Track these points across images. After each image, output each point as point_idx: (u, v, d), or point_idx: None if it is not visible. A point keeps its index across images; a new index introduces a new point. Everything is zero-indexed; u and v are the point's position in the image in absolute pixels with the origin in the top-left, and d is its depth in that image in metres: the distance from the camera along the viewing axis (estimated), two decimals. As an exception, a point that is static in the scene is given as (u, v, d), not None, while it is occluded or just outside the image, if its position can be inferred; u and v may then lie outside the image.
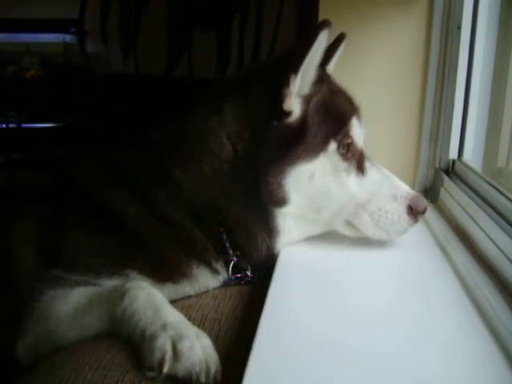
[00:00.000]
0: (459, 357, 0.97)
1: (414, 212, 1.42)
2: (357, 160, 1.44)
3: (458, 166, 1.80)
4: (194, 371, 1.00)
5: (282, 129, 1.37)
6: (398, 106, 1.94)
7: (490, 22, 1.73)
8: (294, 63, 1.32)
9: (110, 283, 1.34)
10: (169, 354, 1.02)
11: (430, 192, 1.91)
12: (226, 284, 1.45)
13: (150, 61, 3.59)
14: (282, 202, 1.39)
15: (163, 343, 1.05)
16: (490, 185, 1.53)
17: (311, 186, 1.39)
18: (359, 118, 1.49)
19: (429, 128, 1.93)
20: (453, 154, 1.82)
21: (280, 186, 1.36)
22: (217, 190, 1.37)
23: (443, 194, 1.78)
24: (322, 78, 1.42)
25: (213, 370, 1.02)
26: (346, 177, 1.42)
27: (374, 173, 1.46)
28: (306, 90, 1.39)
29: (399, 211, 1.42)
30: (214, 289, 1.42)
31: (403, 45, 1.91)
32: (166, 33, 3.45)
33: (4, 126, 4.63)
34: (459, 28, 1.74)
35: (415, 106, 1.94)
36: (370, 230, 1.44)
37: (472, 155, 1.81)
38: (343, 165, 1.41)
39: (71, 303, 1.32)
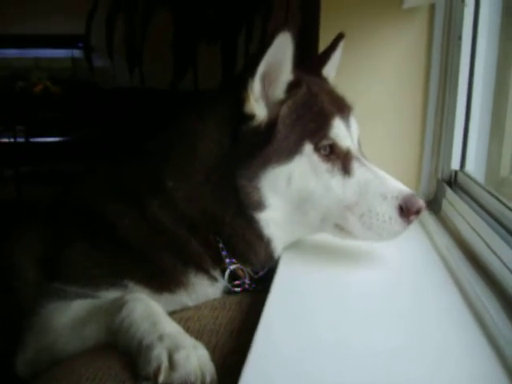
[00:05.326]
0: (459, 367, 0.96)
1: (406, 213, 1.36)
2: (342, 161, 1.41)
3: (460, 176, 1.79)
4: (189, 381, 1.00)
5: (251, 133, 1.38)
6: (399, 117, 1.94)
7: (491, 32, 1.72)
8: (250, 68, 1.35)
9: (108, 295, 1.35)
10: (165, 364, 1.02)
11: (433, 203, 1.90)
12: (225, 292, 1.45)
13: (157, 74, 3.61)
14: (259, 206, 1.39)
15: (159, 353, 1.05)
16: (492, 195, 1.51)
17: (291, 189, 1.38)
18: (345, 117, 1.47)
19: (431, 139, 1.93)
20: (455, 164, 1.80)
21: (255, 189, 1.37)
22: (209, 198, 1.38)
23: (445, 206, 1.77)
24: (299, 81, 1.43)
25: (208, 379, 1.02)
26: (329, 178, 1.39)
27: (363, 173, 1.41)
28: (279, 94, 1.40)
29: (390, 212, 1.36)
30: (214, 299, 1.42)
31: (404, 56, 1.91)
32: (172, 46, 3.47)
33: (12, 140, 4.68)
34: (460, 38, 1.73)
35: (417, 117, 1.93)
36: (360, 233, 1.39)
37: (474, 165, 1.79)
38: (325, 166, 1.39)
39: (71, 316, 1.33)
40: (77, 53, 5.44)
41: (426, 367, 0.96)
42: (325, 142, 1.39)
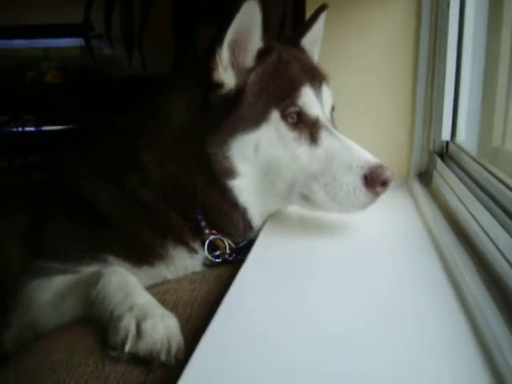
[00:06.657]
0: (436, 337, 0.94)
1: (371, 184, 1.32)
2: (310, 129, 1.40)
3: (451, 147, 1.75)
4: (154, 350, 1.00)
5: (220, 101, 1.37)
6: (389, 88, 1.91)
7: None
8: (217, 36, 1.34)
9: (89, 270, 1.36)
10: (132, 333, 1.03)
11: (425, 176, 1.87)
12: (206, 265, 1.45)
13: (158, 61, 3.60)
14: (230, 173, 1.38)
15: (128, 323, 1.05)
16: (481, 166, 1.47)
17: (259, 157, 1.37)
18: (316, 86, 1.45)
19: (422, 109, 1.89)
20: (446, 135, 1.76)
21: (225, 157, 1.36)
22: (179, 167, 1.38)
23: (436, 178, 1.73)
24: (270, 49, 1.41)
25: (174, 348, 1.02)
26: (296, 147, 1.38)
27: (330, 142, 1.39)
28: (248, 62, 1.39)
29: (354, 182, 1.33)
30: (194, 273, 1.43)
31: (393, 26, 1.87)
32: (172, 30, 3.44)
33: (20, 129, 4.72)
34: (448, 6, 1.69)
35: (407, 88, 1.89)
36: (324, 203, 1.37)
37: (466, 136, 1.75)
38: (292, 134, 1.38)
39: (52, 291, 1.34)
40: (86, 41, 5.45)
41: (401, 339, 0.94)
42: (292, 110, 1.38)
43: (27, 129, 4.86)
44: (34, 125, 4.90)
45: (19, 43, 5.56)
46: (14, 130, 4.81)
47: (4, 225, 1.58)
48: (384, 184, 1.33)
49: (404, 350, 0.90)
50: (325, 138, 1.39)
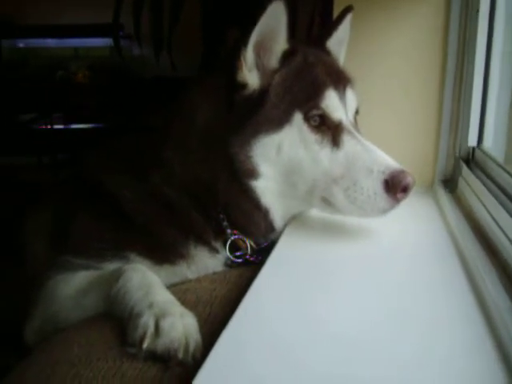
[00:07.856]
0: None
1: (392, 189, 1.31)
2: (332, 132, 1.39)
3: (477, 153, 1.73)
4: (172, 348, 1.00)
5: (244, 102, 1.38)
6: (416, 93, 1.88)
7: (509, 5, 1.65)
8: (242, 37, 1.34)
9: (111, 266, 1.37)
10: (150, 331, 1.03)
11: (450, 182, 1.84)
12: (227, 265, 1.45)
13: (187, 64, 3.62)
14: (252, 174, 1.38)
15: (147, 320, 1.06)
16: (508, 173, 1.45)
17: (281, 158, 1.37)
18: (341, 89, 1.44)
19: (448, 115, 1.86)
20: (472, 141, 1.74)
21: (248, 157, 1.37)
22: (202, 166, 1.39)
23: (461, 184, 1.71)
24: (295, 51, 1.42)
25: (192, 347, 1.02)
26: (318, 150, 1.37)
27: (352, 145, 1.38)
28: (273, 63, 1.40)
29: (375, 187, 1.32)
30: (215, 273, 1.43)
31: (421, 31, 1.84)
32: (202, 31, 3.46)
33: (49, 127, 4.79)
34: (477, 12, 1.67)
35: (434, 92, 1.87)
36: (344, 207, 1.37)
37: (493, 142, 1.73)
38: (314, 137, 1.37)
39: (74, 286, 1.36)
40: (115, 42, 5.51)
41: (422, 346, 0.93)
42: (315, 112, 1.38)
43: (56, 127, 4.94)
44: (63, 122, 4.98)
45: (50, 42, 5.67)
46: (43, 127, 4.90)
47: (31, 219, 1.62)
48: (405, 190, 1.32)
49: (424, 356, 0.90)
50: (347, 141, 1.39)
